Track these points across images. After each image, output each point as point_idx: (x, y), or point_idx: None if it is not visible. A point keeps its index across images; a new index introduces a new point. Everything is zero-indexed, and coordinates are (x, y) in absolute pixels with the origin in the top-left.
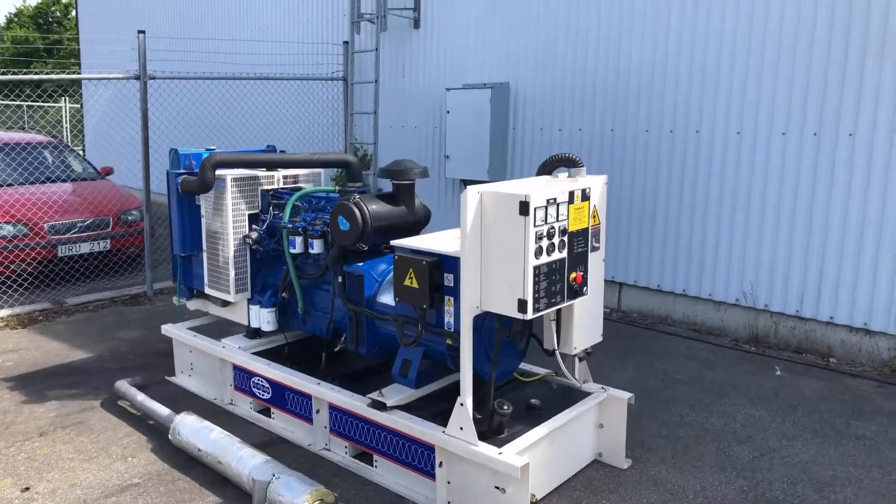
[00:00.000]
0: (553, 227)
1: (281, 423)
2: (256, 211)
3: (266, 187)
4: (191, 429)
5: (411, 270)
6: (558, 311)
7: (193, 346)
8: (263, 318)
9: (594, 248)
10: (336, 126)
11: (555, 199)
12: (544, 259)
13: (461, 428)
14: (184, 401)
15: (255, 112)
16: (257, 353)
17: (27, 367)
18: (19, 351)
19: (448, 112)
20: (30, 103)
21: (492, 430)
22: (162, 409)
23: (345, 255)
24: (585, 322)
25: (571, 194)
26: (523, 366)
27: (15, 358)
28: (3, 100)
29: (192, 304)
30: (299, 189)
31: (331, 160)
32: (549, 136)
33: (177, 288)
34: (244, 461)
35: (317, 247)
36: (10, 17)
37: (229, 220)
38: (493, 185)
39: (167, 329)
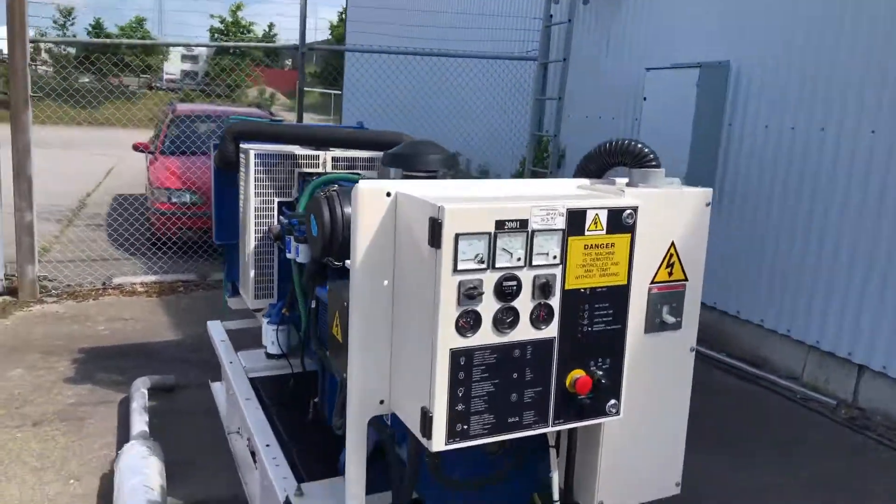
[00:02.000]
0: (513, 277)
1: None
2: (291, 199)
3: (306, 170)
4: (125, 463)
5: (337, 313)
6: (571, 432)
7: (217, 353)
8: (268, 336)
9: (663, 325)
10: (523, 113)
11: (521, 223)
12: (481, 338)
13: None
14: (194, 419)
15: (439, 92)
16: (258, 378)
17: (113, 341)
18: (128, 321)
19: (645, 99)
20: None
21: None
22: (135, 427)
23: (323, 272)
24: (629, 459)
25: (578, 216)
26: None
27: (115, 329)
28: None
29: (234, 303)
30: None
31: (381, 140)
32: (778, 137)
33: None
34: None
35: (302, 254)
36: None
37: (250, 207)
38: (417, 183)
39: (209, 326)
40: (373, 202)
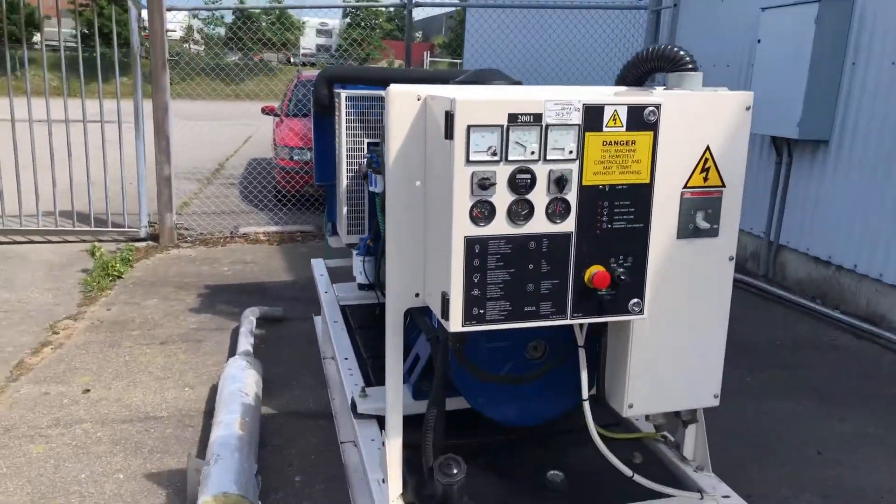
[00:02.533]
0: (527, 170)
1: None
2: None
3: None
4: (227, 373)
5: None
6: (601, 333)
7: (317, 285)
8: (356, 267)
9: (697, 232)
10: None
11: (534, 117)
12: (496, 228)
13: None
14: (295, 346)
15: (555, 49)
16: (347, 305)
17: (235, 280)
18: (249, 264)
19: (759, 41)
20: None
21: (436, 500)
22: (240, 346)
23: None
24: (662, 365)
25: (595, 111)
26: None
27: (237, 270)
28: None
29: (334, 241)
30: None
31: (472, 79)
32: None
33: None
34: (219, 427)
35: (378, 185)
36: None
37: (342, 147)
38: (448, 87)
39: (312, 264)
40: (404, 105)
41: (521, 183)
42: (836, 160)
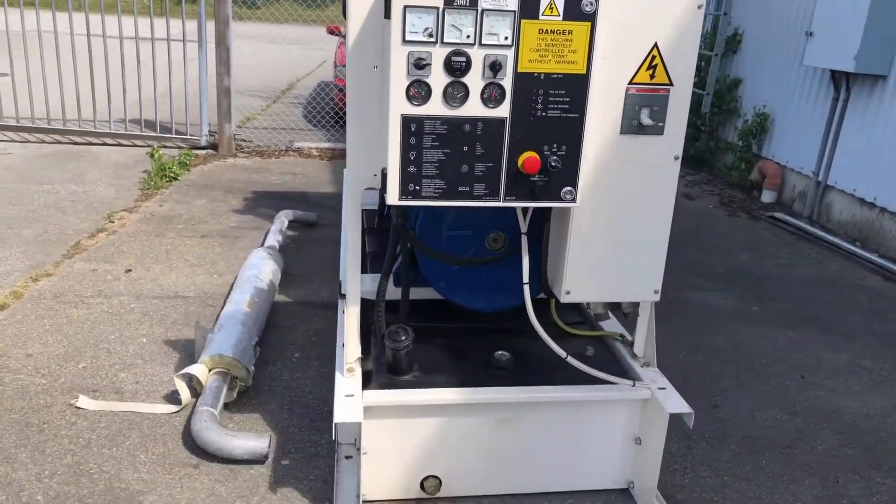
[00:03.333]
0: (462, 53)
1: None
2: None
3: None
4: (248, 262)
5: None
6: (542, 223)
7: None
8: None
9: (641, 128)
10: None
11: (470, 1)
12: (431, 108)
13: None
14: (322, 247)
15: None
16: (366, 210)
17: (281, 188)
18: (297, 175)
19: None
20: None
21: (389, 367)
22: (267, 241)
23: None
24: (600, 256)
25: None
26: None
27: (285, 180)
28: None
29: None
30: None
31: None
32: None
33: None
34: (229, 304)
35: None
36: None
37: None
38: None
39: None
40: None
41: (457, 66)
42: (892, 97)
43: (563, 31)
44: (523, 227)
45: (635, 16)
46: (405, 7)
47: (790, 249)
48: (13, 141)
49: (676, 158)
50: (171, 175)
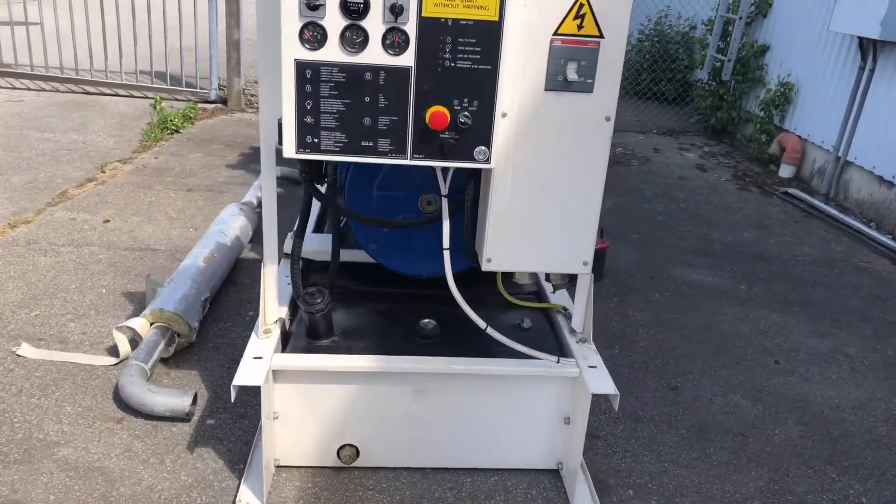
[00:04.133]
0: None
1: None
2: None
3: None
4: (218, 217)
5: None
6: (469, 185)
7: None
8: None
9: (567, 85)
10: None
11: None
12: (328, 54)
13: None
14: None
15: None
16: None
17: None
18: None
19: None
20: None
21: (307, 331)
22: (246, 196)
23: None
24: (522, 224)
25: None
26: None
27: None
28: None
29: None
30: None
31: None
32: None
33: None
34: (187, 258)
35: None
36: None
37: None
38: None
39: None
40: None
41: (353, 7)
42: None
43: None
44: (443, 189)
45: None
46: None
47: (797, 228)
48: (28, 89)
49: (608, 119)
50: (173, 128)
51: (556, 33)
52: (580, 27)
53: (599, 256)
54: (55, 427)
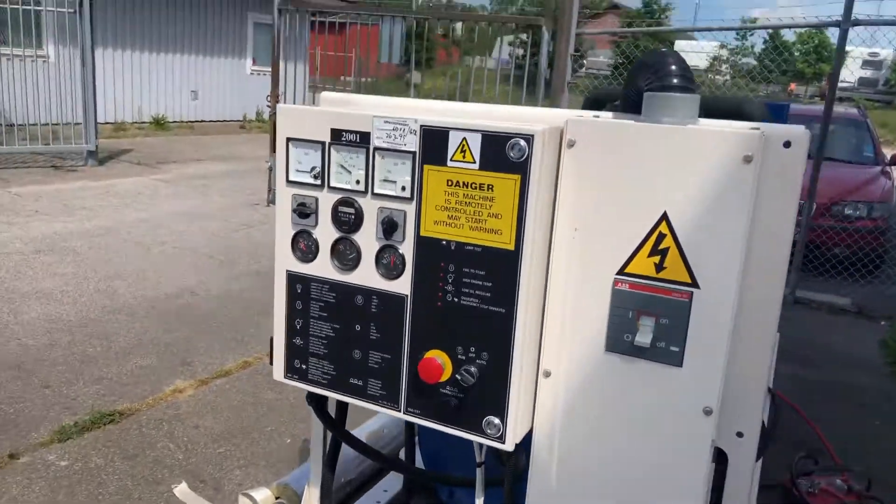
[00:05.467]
0: (350, 202)
1: None
2: None
3: None
4: None
5: None
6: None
7: None
8: None
9: (636, 350)
10: None
11: (361, 137)
12: (319, 269)
13: None
14: None
15: None
16: None
17: None
18: None
19: None
20: None
21: None
22: None
23: None
24: None
25: (437, 137)
26: None
27: None
28: None
29: None
30: None
31: (723, 107)
32: None
33: None
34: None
35: None
36: None
37: None
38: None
39: None
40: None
41: (344, 218)
42: None
43: (481, 186)
44: (478, 456)
45: (627, 167)
46: (288, 139)
47: None
48: None
49: (708, 413)
50: None
51: (621, 272)
52: (660, 267)
53: None
54: None
